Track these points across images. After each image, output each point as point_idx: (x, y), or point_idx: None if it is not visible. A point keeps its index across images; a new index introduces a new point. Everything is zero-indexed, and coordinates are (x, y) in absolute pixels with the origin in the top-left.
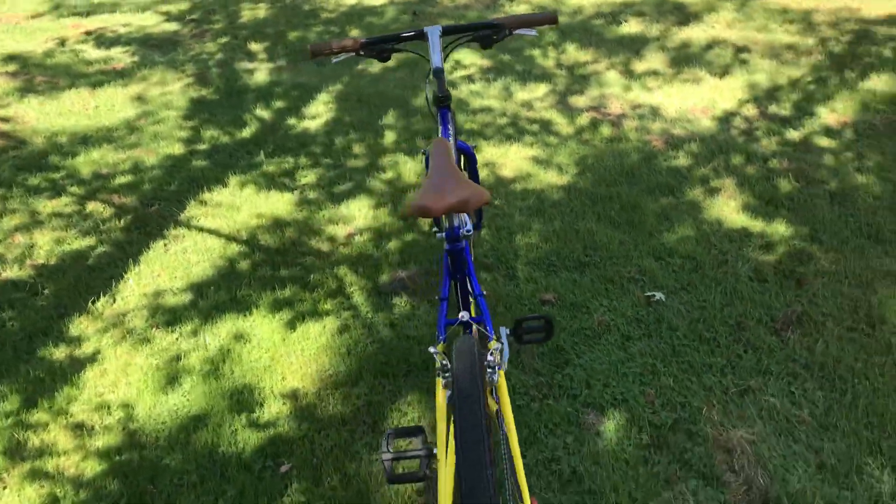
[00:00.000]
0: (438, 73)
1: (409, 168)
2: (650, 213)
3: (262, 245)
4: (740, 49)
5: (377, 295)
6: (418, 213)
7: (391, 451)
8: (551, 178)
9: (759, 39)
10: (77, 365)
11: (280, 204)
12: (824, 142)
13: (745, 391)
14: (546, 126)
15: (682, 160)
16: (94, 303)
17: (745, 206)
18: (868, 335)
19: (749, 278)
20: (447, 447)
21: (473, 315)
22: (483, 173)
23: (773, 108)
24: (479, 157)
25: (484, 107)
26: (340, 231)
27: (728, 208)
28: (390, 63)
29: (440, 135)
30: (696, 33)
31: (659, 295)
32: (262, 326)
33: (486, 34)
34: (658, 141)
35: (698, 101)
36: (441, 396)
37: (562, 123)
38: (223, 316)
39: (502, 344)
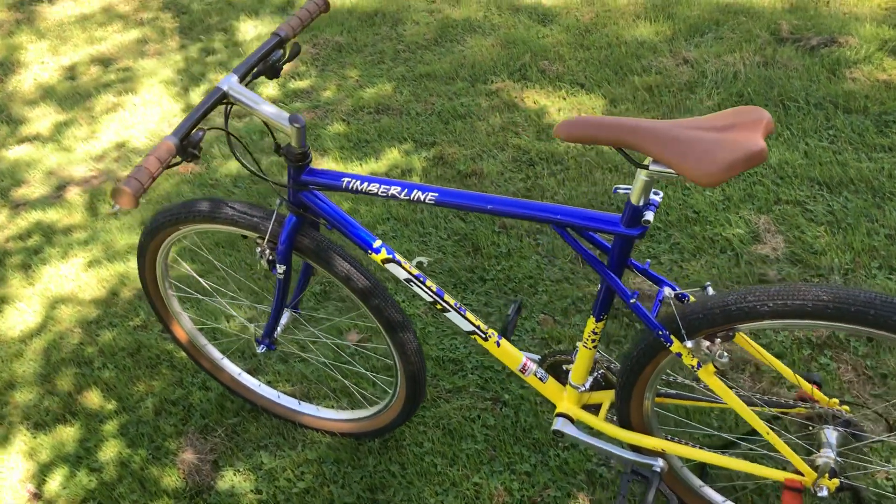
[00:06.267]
0: (296, 120)
1: None
2: None
3: None
4: (108, 61)
5: None
6: (758, 160)
7: None
8: None
9: (109, 50)
10: None
11: None
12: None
13: None
14: None
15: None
16: None
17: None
18: None
19: None
20: None
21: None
22: None
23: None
24: None
25: None
26: None
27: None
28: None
29: (283, 200)
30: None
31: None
32: None
33: (277, 56)
34: (182, 168)
35: (153, 117)
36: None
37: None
38: None
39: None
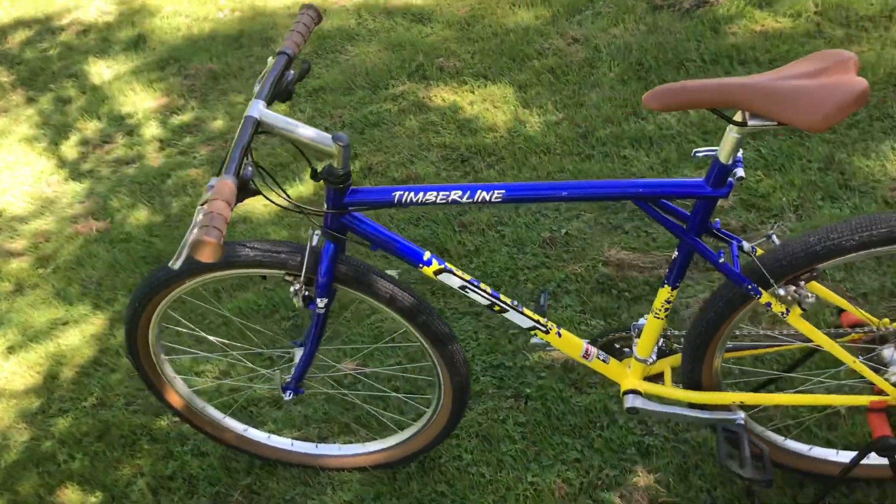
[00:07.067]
0: (340, 139)
1: None
2: None
3: None
4: None
5: None
6: (865, 99)
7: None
8: None
9: None
10: None
11: None
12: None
13: None
14: None
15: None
16: None
17: None
18: None
19: None
20: None
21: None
22: None
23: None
24: None
25: None
26: None
27: None
28: None
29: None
30: None
31: None
32: None
33: (290, 77)
34: (83, 228)
35: (25, 178)
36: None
37: None
38: None
39: None
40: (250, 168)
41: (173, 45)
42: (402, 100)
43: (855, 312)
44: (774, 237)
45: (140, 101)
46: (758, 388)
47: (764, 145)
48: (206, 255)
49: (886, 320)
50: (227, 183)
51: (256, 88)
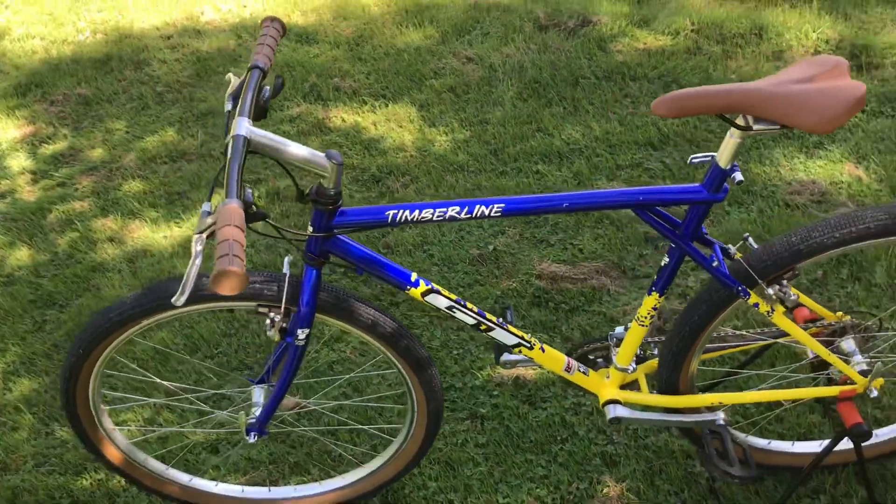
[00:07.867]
0: (333, 157)
1: None
2: None
3: None
4: None
5: None
6: (863, 102)
7: None
8: None
9: None
10: None
11: None
12: None
13: None
14: None
15: None
16: None
17: None
18: None
19: None
20: None
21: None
22: None
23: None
24: None
25: None
26: None
27: None
28: None
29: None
30: None
31: None
32: None
33: (266, 94)
34: None
35: None
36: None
37: None
38: None
39: None
40: (249, 189)
41: (31, 70)
42: (300, 121)
43: (816, 308)
44: (751, 240)
45: (1, 131)
46: (708, 389)
47: (667, 156)
48: (230, 287)
49: (840, 313)
50: (234, 207)
51: (229, 106)
